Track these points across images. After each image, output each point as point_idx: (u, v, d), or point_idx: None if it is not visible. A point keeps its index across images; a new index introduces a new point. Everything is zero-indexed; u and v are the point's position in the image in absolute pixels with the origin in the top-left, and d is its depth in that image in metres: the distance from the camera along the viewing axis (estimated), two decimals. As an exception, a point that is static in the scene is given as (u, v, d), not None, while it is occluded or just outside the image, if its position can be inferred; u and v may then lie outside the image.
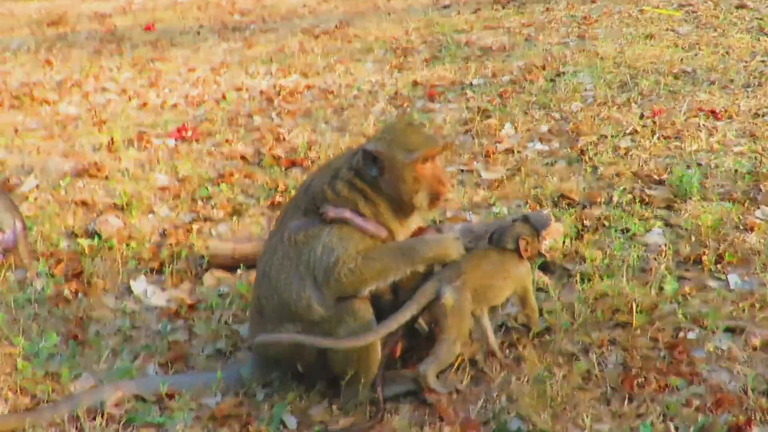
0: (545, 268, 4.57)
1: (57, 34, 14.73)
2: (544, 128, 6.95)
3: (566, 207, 5.33)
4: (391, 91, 8.60)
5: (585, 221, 5.03)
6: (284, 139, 7.53)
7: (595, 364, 3.73)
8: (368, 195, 3.59)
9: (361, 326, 3.54)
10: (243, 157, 7.08)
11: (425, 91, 8.46)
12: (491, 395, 3.60)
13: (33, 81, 10.98)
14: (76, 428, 3.58)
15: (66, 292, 4.80)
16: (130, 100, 9.61)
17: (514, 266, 3.82)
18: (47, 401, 3.82)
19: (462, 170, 6.28)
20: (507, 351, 3.92)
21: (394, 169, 3.56)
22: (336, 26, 12.62)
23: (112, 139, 7.66)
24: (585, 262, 4.57)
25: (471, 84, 8.53)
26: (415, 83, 8.83)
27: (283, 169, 6.78)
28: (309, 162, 6.82)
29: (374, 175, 3.57)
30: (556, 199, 5.46)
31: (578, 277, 4.40)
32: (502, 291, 3.83)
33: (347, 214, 3.60)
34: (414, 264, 3.57)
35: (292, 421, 3.60)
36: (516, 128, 7.02)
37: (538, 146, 6.60)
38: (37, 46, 13.61)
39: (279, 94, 9.18)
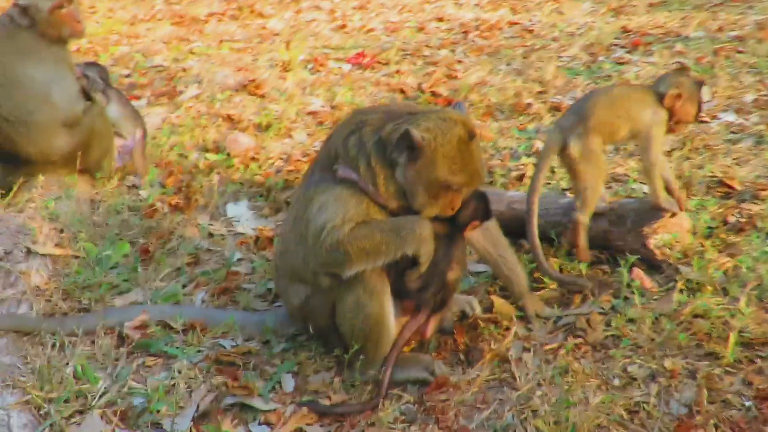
0: (652, 266, 3.77)
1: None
2: (749, 98, 5.80)
3: (719, 196, 4.36)
4: (593, 37, 7.68)
5: (730, 217, 4.07)
6: (457, 76, 7.03)
7: (652, 398, 2.99)
8: (372, 164, 3.05)
9: (371, 296, 3.10)
10: (402, 91, 6.71)
11: (631, 40, 7.45)
12: (504, 406, 3.02)
13: (261, -7, 11.32)
14: (91, 343, 3.55)
15: (159, 204, 4.80)
16: (334, 20, 9.56)
17: (643, 107, 3.72)
18: (85, 310, 3.84)
19: (623, 135, 5.42)
20: (559, 356, 3.28)
21: (424, 172, 2.99)
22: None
23: (290, 59, 7.63)
24: (704, 268, 3.69)
25: (687, 37, 7.37)
26: (624, 30, 7.82)
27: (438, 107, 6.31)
28: (467, 104, 6.29)
29: (399, 160, 3.02)
30: (712, 185, 4.50)
31: (684, 285, 3.57)
32: (620, 129, 3.74)
33: (354, 175, 3.12)
34: (403, 249, 3.04)
35: (289, 384, 3.29)
36: (714, 94, 5.92)
37: (730, 118, 5.52)
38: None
39: (477, 29, 8.61)
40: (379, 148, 3.06)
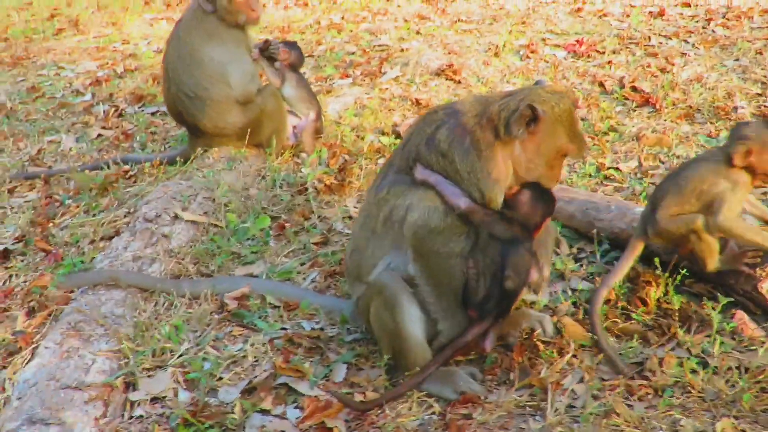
0: (763, 308, 3.30)
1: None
2: None
3: None
4: None
5: None
6: (669, 71, 6.48)
7: (688, 464, 2.68)
8: (480, 147, 3.08)
9: (387, 309, 3.19)
10: (602, 84, 6.34)
11: None
12: (521, 436, 2.88)
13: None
14: (190, 306, 3.93)
15: (312, 183, 5.07)
16: (574, 1, 9.20)
17: (713, 180, 3.29)
18: (209, 275, 4.24)
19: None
20: (613, 395, 3.03)
21: (543, 143, 3.11)
22: None
23: (504, 43, 7.54)
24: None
25: None
26: None
27: (633, 105, 5.91)
28: (663, 104, 5.80)
29: (517, 135, 3.05)
30: None
31: (785, 339, 3.09)
32: (692, 208, 3.37)
33: (433, 178, 3.13)
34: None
35: (340, 374, 3.41)
36: None
37: None
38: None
39: (724, 17, 7.81)
40: (488, 128, 3.11)
